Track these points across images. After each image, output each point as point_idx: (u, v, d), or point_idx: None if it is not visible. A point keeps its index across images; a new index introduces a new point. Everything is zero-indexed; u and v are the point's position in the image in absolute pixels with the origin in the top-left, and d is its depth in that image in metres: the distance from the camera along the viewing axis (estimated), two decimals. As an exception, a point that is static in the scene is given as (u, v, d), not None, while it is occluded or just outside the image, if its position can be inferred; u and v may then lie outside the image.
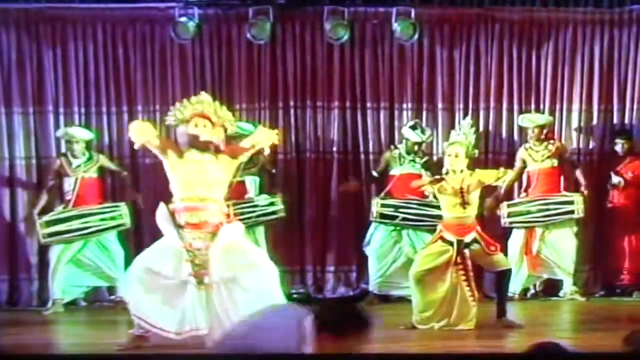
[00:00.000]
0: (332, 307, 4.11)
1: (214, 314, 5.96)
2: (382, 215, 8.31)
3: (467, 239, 6.74)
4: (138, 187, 8.64)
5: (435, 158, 8.66)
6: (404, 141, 8.50)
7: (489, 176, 6.91)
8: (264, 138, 6.29)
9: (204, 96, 6.37)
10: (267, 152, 6.40)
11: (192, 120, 6.14)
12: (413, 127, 8.45)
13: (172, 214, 6.10)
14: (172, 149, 6.19)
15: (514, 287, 8.37)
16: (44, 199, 8.30)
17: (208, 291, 5.98)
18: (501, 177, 7.01)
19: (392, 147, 8.59)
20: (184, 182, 6.10)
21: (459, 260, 6.72)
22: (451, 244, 6.73)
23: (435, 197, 7.95)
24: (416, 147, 8.44)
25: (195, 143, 6.12)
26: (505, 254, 7.93)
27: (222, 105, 6.36)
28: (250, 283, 5.98)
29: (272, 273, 6.10)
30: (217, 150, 6.15)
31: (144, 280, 6.03)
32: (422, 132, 8.44)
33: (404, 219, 8.27)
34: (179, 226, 6.05)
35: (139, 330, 6.15)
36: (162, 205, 6.19)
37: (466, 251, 6.74)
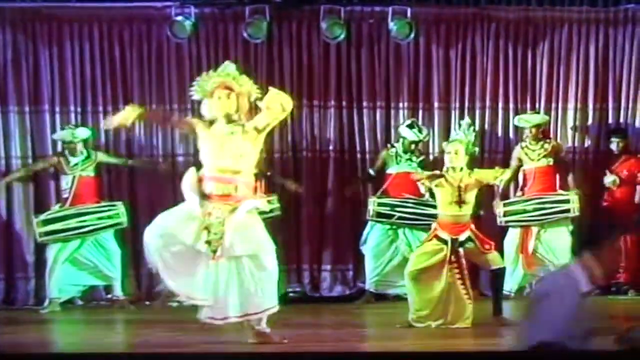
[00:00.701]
0: (589, 227, 4.30)
1: (219, 286, 5.90)
2: (378, 214, 8.33)
3: (462, 237, 6.75)
4: (134, 187, 8.65)
5: (431, 157, 8.69)
6: (400, 140, 8.52)
7: (487, 175, 6.93)
8: (274, 102, 5.94)
9: (228, 67, 6.16)
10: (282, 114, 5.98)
11: (215, 92, 6.06)
12: (410, 126, 8.48)
13: (199, 182, 6.00)
14: (197, 123, 6.08)
15: (510, 285, 8.40)
16: (40, 166, 8.33)
17: (219, 262, 5.91)
18: (499, 177, 7.03)
19: (389, 145, 8.61)
20: (211, 152, 5.99)
21: (453, 259, 6.72)
22: (445, 242, 6.74)
23: (431, 194, 7.99)
24: (413, 146, 8.46)
25: (221, 114, 6.00)
26: (501, 253, 7.96)
27: (244, 75, 6.14)
28: (257, 268, 5.94)
29: (274, 258, 6.06)
30: (245, 121, 6.02)
31: (162, 246, 5.94)
32: (420, 131, 8.46)
33: (400, 217, 8.29)
34: (203, 195, 5.96)
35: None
36: (192, 169, 6.08)
37: (460, 250, 6.75)
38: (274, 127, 6.31)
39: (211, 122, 6.06)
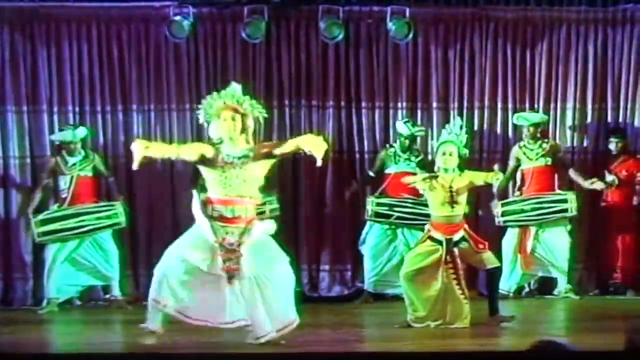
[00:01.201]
0: None
1: (246, 307, 5.91)
2: (377, 214, 8.32)
3: (456, 237, 6.75)
4: (132, 187, 8.65)
5: (430, 157, 8.68)
6: (397, 137, 8.52)
7: (478, 177, 6.92)
8: (311, 145, 5.92)
9: (233, 88, 6.13)
10: (318, 162, 5.90)
11: (221, 114, 6.04)
12: (405, 122, 8.51)
13: (205, 205, 5.97)
14: (202, 148, 6.03)
15: (509, 285, 8.41)
16: (37, 197, 8.31)
17: (240, 285, 5.90)
18: (491, 180, 6.99)
19: (388, 145, 8.61)
20: (218, 176, 5.95)
21: (448, 259, 6.72)
22: (440, 243, 6.74)
23: (428, 195, 7.99)
24: (407, 142, 8.44)
25: (227, 136, 5.97)
26: (500, 253, 7.95)
27: (249, 97, 6.14)
28: (276, 282, 5.96)
29: (290, 270, 6.10)
30: (251, 143, 6.02)
31: (180, 272, 5.89)
32: (413, 125, 8.48)
33: (399, 217, 8.28)
34: (211, 218, 5.94)
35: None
36: (194, 194, 6.04)
37: (455, 250, 6.75)
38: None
39: (218, 144, 6.02)
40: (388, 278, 8.34)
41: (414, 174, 8.16)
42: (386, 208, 8.30)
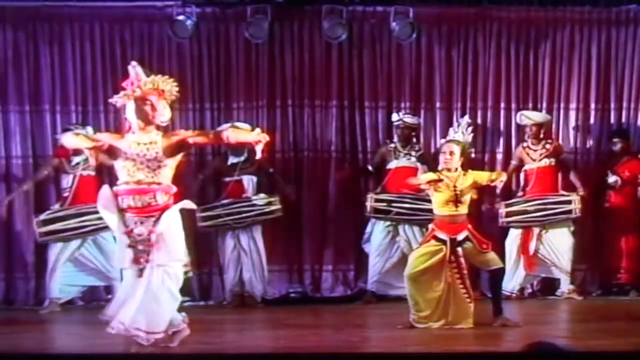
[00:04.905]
0: None
1: (146, 299, 5.65)
2: (376, 210, 8.30)
3: (460, 237, 6.73)
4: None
5: (431, 153, 8.67)
6: (395, 130, 8.50)
7: (482, 177, 6.90)
8: (241, 136, 5.96)
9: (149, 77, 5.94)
10: (258, 155, 5.76)
11: (146, 97, 5.78)
12: (404, 114, 8.51)
13: (115, 197, 5.73)
14: (109, 137, 5.87)
15: (512, 286, 8.39)
16: (29, 185, 8.28)
17: (151, 276, 5.66)
18: (495, 180, 6.96)
19: (387, 140, 8.60)
20: (126, 164, 5.73)
21: (452, 258, 6.70)
22: (444, 242, 6.72)
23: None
24: (399, 132, 8.41)
25: (141, 122, 5.75)
26: (503, 254, 7.94)
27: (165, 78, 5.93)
28: (176, 272, 5.73)
29: (179, 277, 5.82)
30: (162, 130, 5.81)
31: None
32: (412, 116, 8.48)
33: (398, 213, 8.26)
34: (121, 210, 5.70)
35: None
36: (105, 187, 5.82)
37: (459, 249, 6.73)
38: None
39: (125, 132, 5.79)
40: (391, 277, 8.31)
41: (414, 168, 8.15)
42: (384, 204, 8.28)
